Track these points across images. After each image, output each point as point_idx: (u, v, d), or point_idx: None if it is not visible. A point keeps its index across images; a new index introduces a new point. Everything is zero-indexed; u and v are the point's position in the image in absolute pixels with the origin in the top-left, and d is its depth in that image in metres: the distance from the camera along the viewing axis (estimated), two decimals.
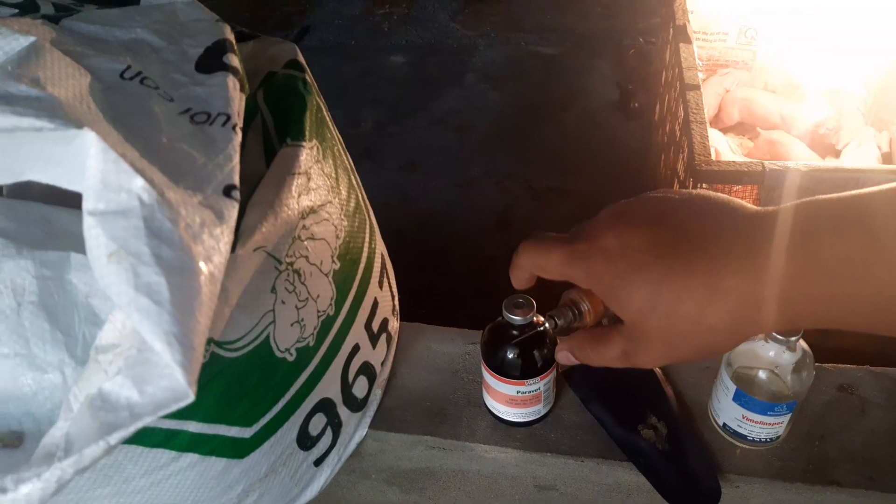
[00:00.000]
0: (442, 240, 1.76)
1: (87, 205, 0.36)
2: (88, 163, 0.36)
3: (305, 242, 0.57)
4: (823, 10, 1.57)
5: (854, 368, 0.71)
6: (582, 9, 2.43)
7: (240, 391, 0.54)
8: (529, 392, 0.65)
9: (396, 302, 0.77)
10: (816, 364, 0.71)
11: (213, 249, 0.38)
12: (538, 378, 0.64)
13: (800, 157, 1.38)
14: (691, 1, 1.71)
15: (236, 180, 0.44)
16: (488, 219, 1.80)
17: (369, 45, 2.40)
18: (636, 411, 0.67)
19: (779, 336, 0.57)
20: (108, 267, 0.35)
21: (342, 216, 0.64)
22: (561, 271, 0.39)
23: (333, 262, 0.62)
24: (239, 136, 0.48)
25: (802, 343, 0.60)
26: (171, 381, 0.35)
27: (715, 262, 0.33)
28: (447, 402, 0.71)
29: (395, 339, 0.76)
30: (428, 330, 0.79)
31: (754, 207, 0.35)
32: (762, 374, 0.61)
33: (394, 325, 0.75)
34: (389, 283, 0.75)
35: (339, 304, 0.62)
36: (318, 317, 0.60)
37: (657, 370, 0.71)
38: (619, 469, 0.66)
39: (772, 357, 0.60)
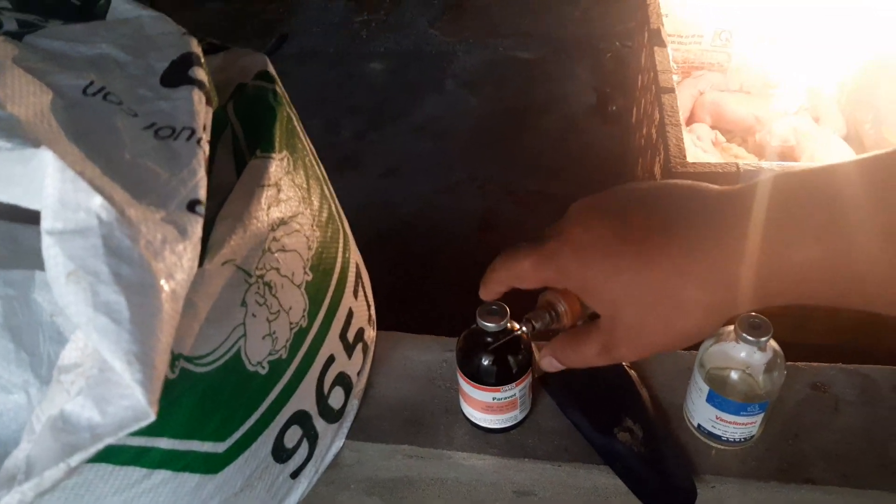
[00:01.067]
0: (424, 245, 1.76)
1: (44, 224, 0.36)
2: (46, 182, 0.36)
3: (276, 254, 0.57)
4: (796, 10, 1.59)
5: (827, 366, 0.72)
6: (559, 14, 2.44)
7: (212, 406, 0.53)
8: (505, 398, 0.65)
9: (372, 311, 0.77)
10: (789, 363, 0.71)
11: (175, 266, 0.38)
12: (513, 384, 0.65)
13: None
14: (666, 4, 1.73)
15: (201, 195, 0.44)
16: (470, 223, 1.80)
17: (348, 52, 2.39)
18: (612, 415, 0.67)
19: (749, 337, 0.58)
20: (67, 287, 0.34)
21: (314, 227, 0.64)
22: (535, 276, 0.39)
23: (306, 273, 0.62)
24: (204, 151, 0.48)
25: (773, 343, 0.61)
26: (132, 401, 0.34)
27: (686, 244, 0.33)
28: (424, 411, 0.71)
29: (372, 349, 0.76)
30: (405, 338, 0.79)
31: (721, 188, 0.34)
32: (734, 375, 0.62)
33: (370, 334, 0.75)
34: (365, 293, 0.74)
35: (312, 316, 0.62)
36: (291, 329, 0.60)
37: (632, 373, 0.71)
38: (597, 473, 0.66)
39: (743, 358, 0.61)
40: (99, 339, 0.34)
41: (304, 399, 0.63)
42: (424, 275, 1.66)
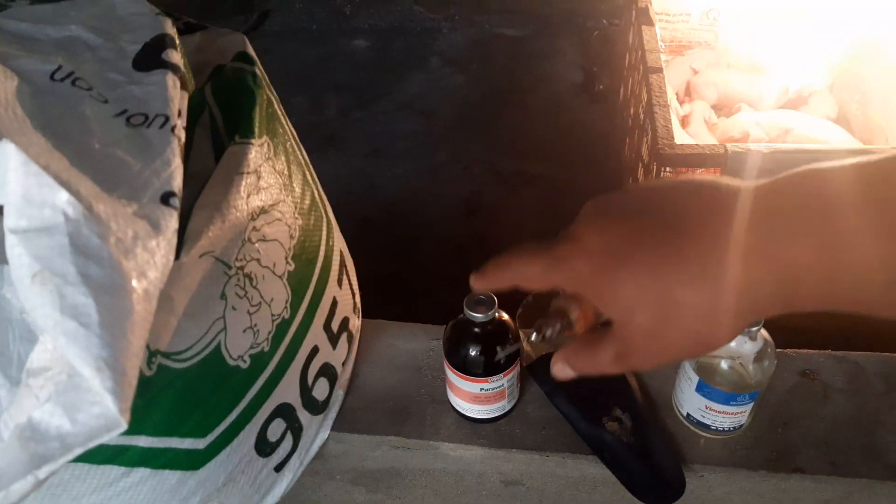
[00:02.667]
0: (409, 227, 1.74)
1: (8, 222, 0.34)
2: (8, 177, 0.34)
3: (256, 245, 0.55)
4: None
5: (816, 353, 0.72)
6: None
7: (191, 402, 0.52)
8: (493, 389, 0.64)
9: (357, 300, 0.75)
10: (778, 350, 0.71)
11: (147, 264, 0.36)
12: (501, 375, 0.64)
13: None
14: None
15: (175, 187, 0.42)
16: (456, 205, 1.78)
17: (331, 29, 2.34)
18: (601, 404, 0.66)
19: None
20: (32, 289, 0.32)
21: (296, 215, 0.62)
22: (545, 279, 0.37)
23: (288, 263, 0.60)
24: (179, 139, 0.45)
25: (764, 332, 0.60)
26: (103, 409, 0.33)
27: (704, 246, 0.31)
28: (411, 401, 0.70)
29: (357, 338, 0.74)
30: (391, 326, 0.77)
31: (743, 183, 0.32)
32: (724, 365, 0.61)
33: (355, 323, 0.73)
34: (350, 281, 0.73)
35: (294, 307, 0.61)
36: (273, 321, 0.58)
37: None
38: (585, 463, 0.66)
39: (734, 347, 0.60)
40: (67, 344, 0.32)
41: (287, 392, 0.62)
42: (409, 260, 1.64)
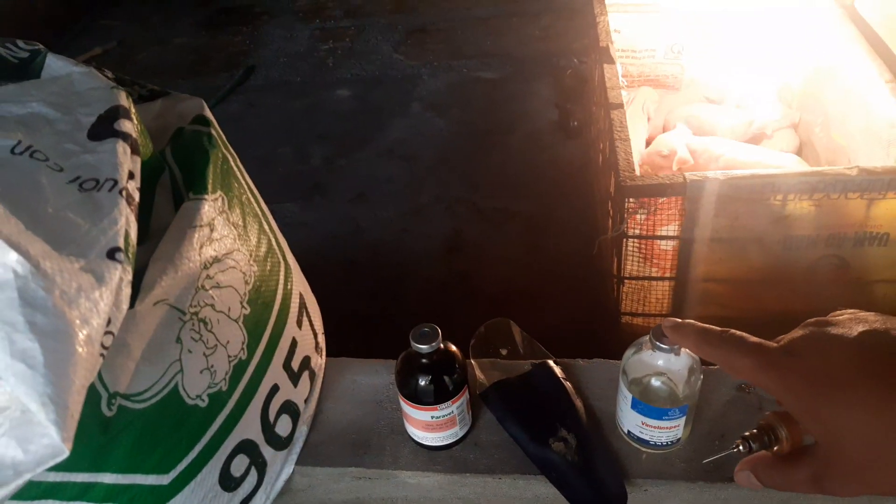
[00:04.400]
0: (394, 268, 1.79)
1: None
2: None
3: (210, 291, 0.60)
4: (743, 19, 1.64)
5: None
6: (520, 34, 2.50)
7: (152, 440, 0.56)
8: (443, 416, 0.68)
9: (321, 339, 0.80)
10: (716, 366, 0.75)
11: (90, 312, 0.41)
12: (450, 402, 0.68)
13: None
14: (619, 21, 1.78)
15: (121, 243, 0.47)
16: (439, 245, 1.84)
17: (315, 80, 2.44)
18: (547, 426, 0.70)
19: (662, 345, 0.61)
20: None
21: (251, 262, 0.67)
22: (752, 375, 0.37)
23: (243, 307, 0.65)
24: (129, 199, 0.51)
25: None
26: (50, 439, 0.37)
27: None
28: (371, 433, 0.74)
29: (320, 376, 0.79)
30: (353, 363, 0.82)
31: None
32: (655, 382, 0.65)
33: (317, 361, 0.78)
34: (311, 322, 0.77)
35: (251, 348, 0.65)
36: (230, 362, 0.62)
37: (568, 385, 0.74)
38: (536, 483, 0.69)
39: (661, 365, 0.64)
40: (16, 384, 0.37)
41: (248, 428, 0.66)
42: (395, 299, 1.69)
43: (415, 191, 1.99)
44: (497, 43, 2.48)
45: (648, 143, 1.63)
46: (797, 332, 0.37)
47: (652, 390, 0.65)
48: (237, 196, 0.69)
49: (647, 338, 0.64)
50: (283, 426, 0.70)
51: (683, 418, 0.65)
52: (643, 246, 1.26)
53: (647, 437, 0.67)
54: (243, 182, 0.72)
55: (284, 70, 2.50)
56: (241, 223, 0.67)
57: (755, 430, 0.41)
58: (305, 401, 0.74)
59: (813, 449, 0.35)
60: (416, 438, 0.71)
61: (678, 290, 1.30)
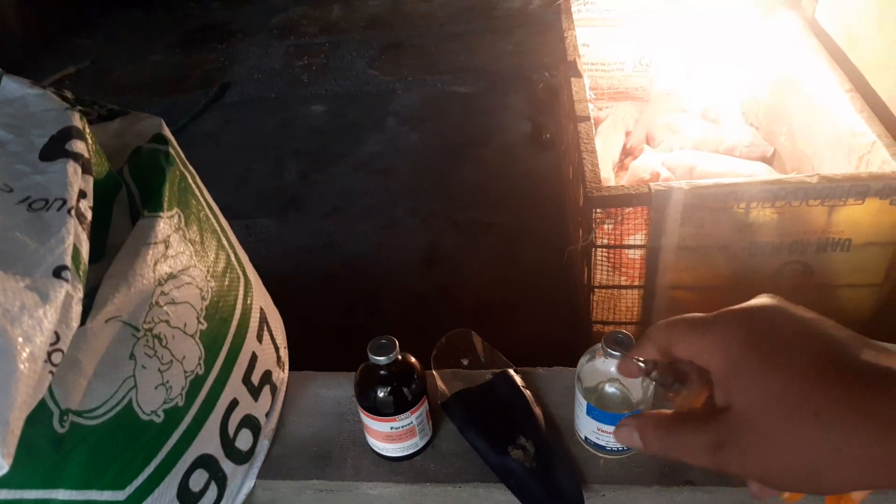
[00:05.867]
0: (371, 281, 1.80)
1: None
2: None
3: (165, 307, 0.61)
4: (708, 31, 1.68)
5: None
6: (494, 48, 2.53)
7: (107, 456, 0.56)
8: (403, 427, 0.69)
9: (283, 353, 0.80)
10: None
11: (33, 329, 0.42)
12: (408, 413, 0.68)
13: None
14: (588, 35, 1.81)
15: (68, 261, 0.48)
16: (415, 257, 1.85)
17: (290, 96, 2.45)
18: (507, 434, 0.71)
19: (613, 352, 0.63)
20: None
21: (209, 278, 0.67)
22: (687, 338, 0.34)
23: (200, 322, 0.65)
24: (78, 218, 0.51)
25: None
26: None
27: (882, 401, 0.28)
28: (333, 445, 0.74)
29: (282, 389, 0.79)
30: (317, 377, 0.82)
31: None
32: (609, 388, 0.66)
33: (279, 375, 0.78)
34: (272, 336, 0.78)
35: (209, 363, 0.66)
36: (186, 377, 0.63)
37: (528, 392, 0.75)
38: (496, 491, 0.70)
39: (614, 372, 0.65)
40: None
41: (207, 443, 0.66)
42: (372, 312, 1.69)
43: (390, 204, 2.00)
44: (471, 58, 2.51)
45: (628, 155, 1.66)
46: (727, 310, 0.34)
47: (606, 397, 0.66)
48: (195, 213, 0.69)
49: (599, 345, 0.65)
50: (243, 440, 0.71)
51: None
52: (611, 255, 1.28)
53: (603, 443, 0.69)
54: (202, 199, 0.73)
55: (259, 86, 2.51)
56: (198, 240, 0.68)
57: (665, 365, 0.36)
58: (267, 414, 0.75)
59: (721, 414, 0.32)
60: (376, 450, 0.72)
61: (647, 298, 1.32)
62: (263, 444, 0.74)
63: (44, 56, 2.84)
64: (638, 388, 0.65)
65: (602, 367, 0.65)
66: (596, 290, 1.32)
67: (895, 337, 1.22)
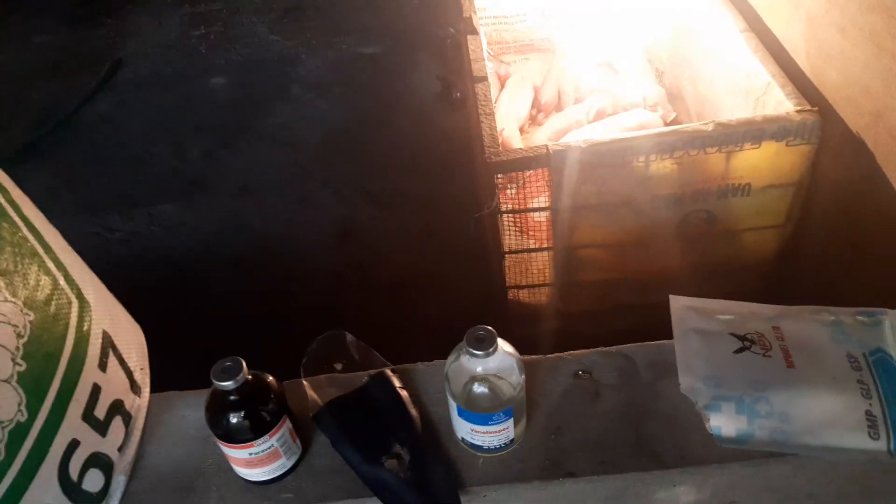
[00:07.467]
0: (284, 263, 1.73)
1: None
2: None
3: None
4: None
5: (590, 352, 0.74)
6: (397, 5, 2.42)
7: None
8: (263, 451, 0.64)
9: (137, 377, 0.74)
10: (555, 354, 0.73)
11: None
12: (268, 436, 0.63)
13: None
14: None
15: None
16: (330, 233, 1.78)
17: (187, 70, 2.31)
18: (381, 443, 0.67)
19: (475, 351, 0.58)
20: None
21: (25, 311, 0.60)
22: None
23: (17, 364, 0.58)
24: None
25: (505, 348, 0.61)
26: None
27: None
28: (197, 475, 0.69)
29: (140, 417, 0.73)
30: (183, 397, 0.76)
31: None
32: (477, 388, 0.62)
33: (133, 402, 0.72)
34: (121, 360, 0.71)
35: (33, 408, 0.59)
36: (3, 428, 0.56)
37: (404, 393, 0.71)
38: None
39: (480, 371, 0.61)
40: None
41: (44, 493, 0.60)
42: (287, 297, 1.62)
43: (300, 178, 1.91)
44: (376, 16, 2.40)
45: (539, 111, 1.62)
46: None
47: (476, 396, 0.62)
48: (6, 239, 0.61)
49: (463, 343, 0.61)
50: (92, 481, 0.64)
51: (511, 420, 0.63)
52: (518, 220, 1.24)
53: (479, 443, 0.65)
54: (16, 220, 0.65)
55: (154, 61, 2.35)
56: (11, 268, 0.60)
57: None
58: (120, 448, 0.68)
59: None
60: (242, 475, 0.67)
61: (558, 259, 1.29)
62: (119, 481, 0.68)
63: None
64: (505, 384, 0.61)
65: (468, 366, 0.61)
66: (507, 255, 1.29)
67: (801, 276, 1.23)
